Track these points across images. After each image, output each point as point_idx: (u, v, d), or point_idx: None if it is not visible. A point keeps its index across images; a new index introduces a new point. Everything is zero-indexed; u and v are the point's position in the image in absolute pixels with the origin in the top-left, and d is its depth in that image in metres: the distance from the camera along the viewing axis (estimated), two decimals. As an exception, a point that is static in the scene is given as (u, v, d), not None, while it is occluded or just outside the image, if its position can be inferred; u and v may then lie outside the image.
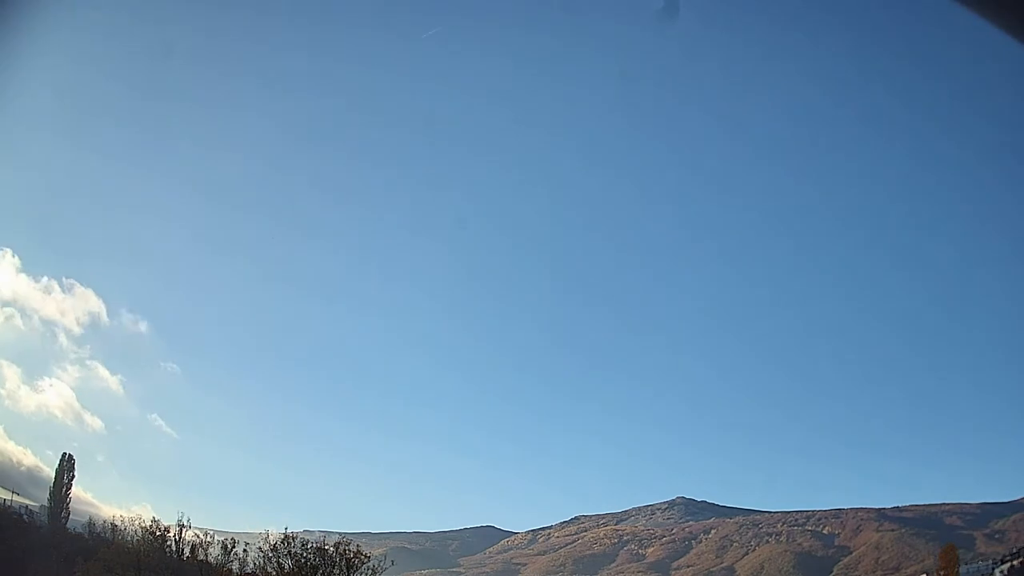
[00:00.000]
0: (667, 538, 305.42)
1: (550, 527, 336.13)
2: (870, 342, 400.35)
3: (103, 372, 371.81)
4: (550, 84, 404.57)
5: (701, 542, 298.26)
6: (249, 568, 67.78)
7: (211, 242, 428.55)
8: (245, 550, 69.75)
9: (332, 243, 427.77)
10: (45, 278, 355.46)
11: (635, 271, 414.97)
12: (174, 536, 68.93)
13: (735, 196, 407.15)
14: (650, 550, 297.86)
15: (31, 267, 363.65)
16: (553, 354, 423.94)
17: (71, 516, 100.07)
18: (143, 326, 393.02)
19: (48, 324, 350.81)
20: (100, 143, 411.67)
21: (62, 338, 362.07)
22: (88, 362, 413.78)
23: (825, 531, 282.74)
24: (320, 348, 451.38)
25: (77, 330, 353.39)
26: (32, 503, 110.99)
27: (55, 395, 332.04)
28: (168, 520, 70.40)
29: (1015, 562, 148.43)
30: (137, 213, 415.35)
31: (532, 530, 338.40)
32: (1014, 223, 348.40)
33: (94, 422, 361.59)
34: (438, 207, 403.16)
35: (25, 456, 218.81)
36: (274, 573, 62.78)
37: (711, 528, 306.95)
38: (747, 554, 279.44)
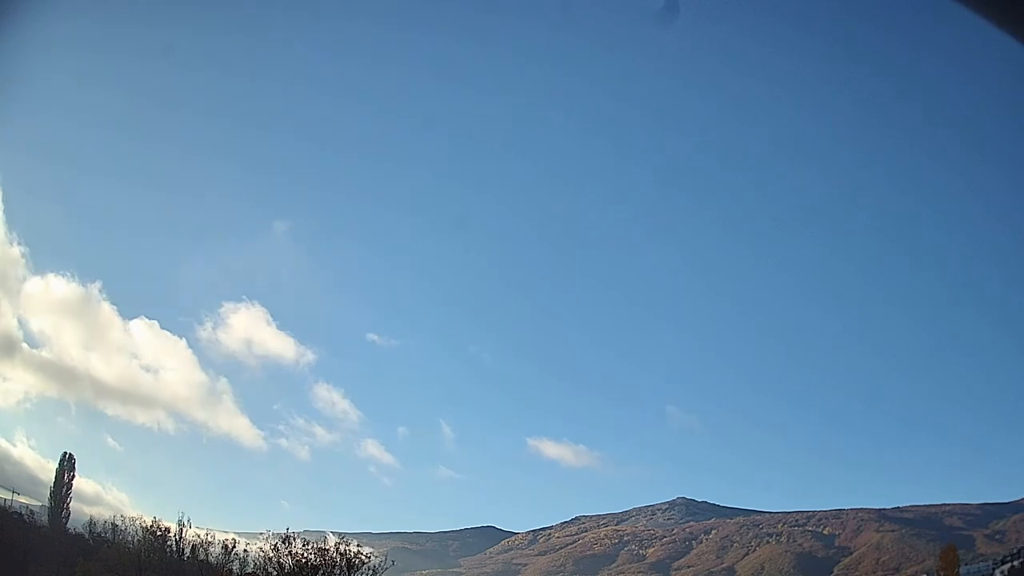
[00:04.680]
0: (667, 538, 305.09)
1: (550, 527, 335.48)
2: (870, 342, 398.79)
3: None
4: (550, 82, 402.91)
5: (701, 542, 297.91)
6: (249, 568, 67.85)
7: (212, 240, 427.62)
8: (245, 550, 69.90)
9: (334, 242, 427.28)
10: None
11: (636, 270, 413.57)
12: (174, 536, 69.06)
13: (736, 194, 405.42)
14: (650, 550, 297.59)
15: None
16: (553, 354, 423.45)
17: (71, 516, 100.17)
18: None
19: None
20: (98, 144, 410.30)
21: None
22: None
23: (825, 531, 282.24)
24: (321, 347, 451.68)
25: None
26: (33, 503, 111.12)
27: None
28: (168, 520, 70.55)
29: (1015, 562, 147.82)
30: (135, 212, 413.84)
31: (532, 530, 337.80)
32: (1015, 222, 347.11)
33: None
34: (439, 205, 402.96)
35: (25, 455, 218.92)
36: (274, 573, 62.81)
37: (711, 528, 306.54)
38: (747, 555, 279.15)
